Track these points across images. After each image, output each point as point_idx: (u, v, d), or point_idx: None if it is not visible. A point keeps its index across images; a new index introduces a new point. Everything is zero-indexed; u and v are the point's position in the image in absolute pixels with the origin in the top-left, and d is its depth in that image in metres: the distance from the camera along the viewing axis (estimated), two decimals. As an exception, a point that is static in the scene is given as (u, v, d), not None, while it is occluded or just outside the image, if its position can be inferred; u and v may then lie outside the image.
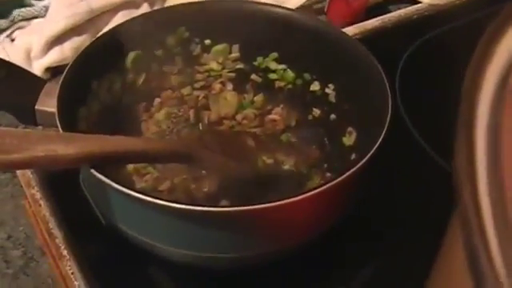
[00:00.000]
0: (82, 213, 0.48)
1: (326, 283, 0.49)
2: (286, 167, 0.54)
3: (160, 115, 0.56)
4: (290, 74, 0.58)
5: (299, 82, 0.58)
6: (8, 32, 0.72)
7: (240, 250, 0.44)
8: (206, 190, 0.51)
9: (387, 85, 0.48)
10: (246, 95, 0.59)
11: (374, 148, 0.43)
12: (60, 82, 0.46)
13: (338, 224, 0.46)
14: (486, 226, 0.19)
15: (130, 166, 0.52)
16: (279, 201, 0.39)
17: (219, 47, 0.57)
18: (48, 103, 0.46)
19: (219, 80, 0.59)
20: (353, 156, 0.51)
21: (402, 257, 0.50)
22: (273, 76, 0.58)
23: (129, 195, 0.39)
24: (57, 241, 0.48)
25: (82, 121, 0.48)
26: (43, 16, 0.72)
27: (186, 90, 0.58)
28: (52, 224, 0.49)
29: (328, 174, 0.53)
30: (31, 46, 0.68)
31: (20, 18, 0.72)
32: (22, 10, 0.72)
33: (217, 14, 0.56)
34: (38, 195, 0.51)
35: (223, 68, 0.58)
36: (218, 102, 0.58)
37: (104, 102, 0.52)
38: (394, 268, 0.50)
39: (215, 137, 0.55)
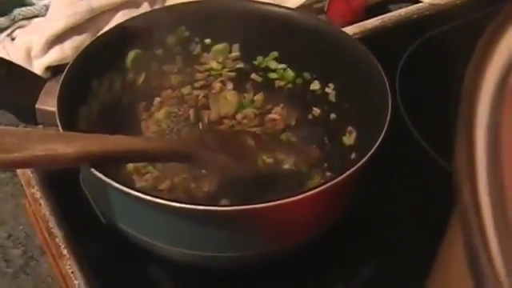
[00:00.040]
0: (82, 212, 0.48)
1: (325, 282, 0.49)
2: (286, 166, 0.54)
3: (160, 114, 0.56)
4: (290, 73, 0.58)
5: (299, 81, 0.58)
6: (8, 31, 0.72)
7: (240, 249, 0.44)
8: (206, 189, 0.51)
9: (387, 84, 0.48)
10: (246, 94, 0.59)
11: (374, 147, 0.43)
12: (60, 81, 0.46)
13: (338, 223, 0.46)
14: (486, 225, 0.19)
15: (130, 166, 0.52)
16: (279, 200, 0.39)
17: (219, 46, 0.57)
18: (48, 102, 0.46)
19: (219, 79, 0.59)
20: (353, 155, 0.51)
21: (401, 256, 0.50)
22: (273, 75, 0.58)
23: (129, 194, 0.39)
24: (57, 240, 0.48)
25: (82, 120, 0.48)
26: (44, 15, 0.72)
27: (186, 90, 0.58)
28: (52, 223, 0.49)
29: (328, 174, 0.53)
30: (32, 45, 0.68)
31: (20, 16, 0.72)
32: (23, 9, 0.72)
33: (217, 13, 0.56)
34: (38, 194, 0.51)
35: (223, 67, 0.58)
36: (218, 101, 0.58)
37: (104, 101, 0.52)
38: (394, 267, 0.50)
39: (215, 136, 0.55)
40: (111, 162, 0.43)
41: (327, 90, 0.56)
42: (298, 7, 0.73)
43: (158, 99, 0.57)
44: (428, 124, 0.59)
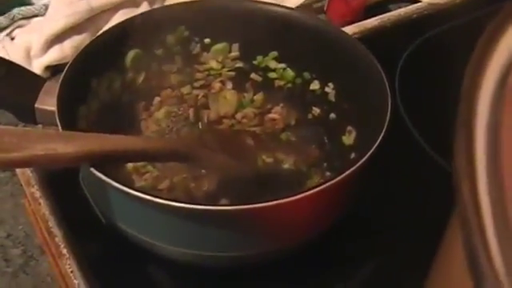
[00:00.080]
0: (82, 211, 0.48)
1: (325, 282, 0.49)
2: (286, 166, 0.54)
3: (160, 114, 0.56)
4: (290, 72, 0.58)
5: (299, 81, 0.58)
6: (8, 30, 0.72)
7: (239, 248, 0.44)
8: (205, 188, 0.51)
9: (387, 84, 0.48)
10: (245, 94, 0.59)
11: (374, 147, 0.43)
12: (60, 81, 0.46)
13: (337, 223, 0.46)
14: (486, 225, 0.19)
15: (130, 165, 0.52)
16: (279, 200, 0.39)
17: (219, 46, 0.57)
18: (48, 102, 0.46)
19: (219, 79, 0.59)
20: (352, 155, 0.51)
21: (401, 256, 0.50)
22: (272, 75, 0.58)
23: (128, 194, 0.39)
24: (56, 239, 0.48)
25: (81, 119, 0.48)
26: (43, 14, 0.72)
27: (185, 89, 0.58)
28: (51, 223, 0.49)
29: (327, 173, 0.53)
30: (31, 45, 0.68)
31: (20, 16, 0.72)
32: (22, 8, 0.72)
33: (216, 12, 0.56)
34: (38, 194, 0.51)
35: (223, 67, 0.58)
36: (218, 100, 0.58)
37: (104, 101, 0.52)
38: (394, 267, 0.50)
39: (215, 136, 0.55)
40: (111, 162, 0.43)
41: (327, 89, 0.56)
42: (297, 7, 0.73)
43: (157, 99, 0.57)
44: (427, 124, 0.59)
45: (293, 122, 0.57)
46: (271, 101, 0.59)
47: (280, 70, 0.58)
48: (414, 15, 0.73)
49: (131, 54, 0.53)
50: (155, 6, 0.73)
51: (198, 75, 0.58)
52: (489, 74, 0.24)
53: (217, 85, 0.58)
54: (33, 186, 0.51)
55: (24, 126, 0.55)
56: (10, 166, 0.45)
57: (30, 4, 0.73)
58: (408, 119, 0.59)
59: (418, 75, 0.65)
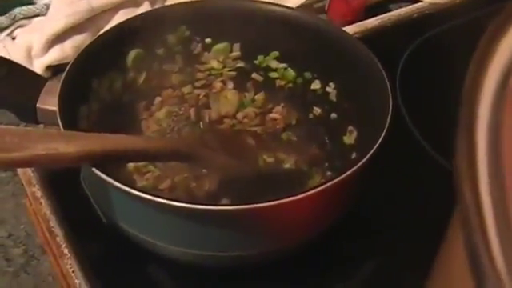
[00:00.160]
0: (83, 211, 0.48)
1: (325, 282, 0.49)
2: (287, 166, 0.54)
3: (161, 114, 0.56)
4: (291, 72, 0.58)
5: (300, 80, 0.58)
6: (9, 30, 0.72)
7: (240, 248, 0.44)
8: (206, 188, 0.51)
9: (388, 84, 0.48)
10: (246, 94, 0.59)
11: (375, 147, 0.43)
12: (61, 81, 0.46)
13: (337, 223, 0.46)
14: (487, 225, 0.19)
15: (131, 165, 0.52)
16: (280, 199, 0.39)
17: (220, 46, 0.57)
18: (49, 101, 0.46)
19: (220, 79, 0.59)
20: (353, 155, 0.51)
21: (401, 256, 0.50)
22: (273, 75, 0.58)
23: (129, 193, 0.39)
24: (57, 239, 0.48)
25: (82, 119, 0.48)
26: (44, 14, 0.72)
27: (186, 89, 0.58)
28: (53, 222, 0.49)
29: (329, 173, 0.53)
30: (32, 45, 0.68)
31: (21, 16, 0.72)
32: (23, 8, 0.72)
33: (218, 12, 0.56)
34: (39, 193, 0.51)
35: (224, 67, 0.58)
36: (219, 100, 0.58)
37: (105, 101, 0.52)
38: (394, 267, 0.50)
39: (216, 135, 0.55)
40: (112, 162, 0.43)
41: (328, 89, 0.56)
42: (298, 6, 0.73)
43: (158, 98, 0.57)
44: (428, 123, 0.59)
45: (294, 122, 0.57)
46: (272, 100, 0.59)
47: (281, 70, 0.58)
48: (415, 15, 0.73)
49: (132, 54, 0.54)
50: (156, 6, 0.73)
51: (199, 75, 0.58)
52: (490, 74, 0.24)
53: (218, 84, 0.58)
54: (34, 186, 0.51)
55: (25, 126, 0.55)
56: (12, 165, 0.45)
57: (31, 4, 0.73)
58: (409, 119, 0.59)
59: (418, 75, 0.65)
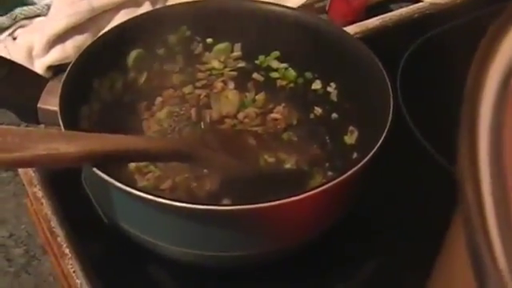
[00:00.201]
0: (84, 211, 0.48)
1: (325, 282, 0.49)
2: (288, 166, 0.54)
3: (161, 114, 0.56)
4: (292, 72, 0.58)
5: (301, 80, 0.58)
6: (10, 30, 0.72)
7: (241, 248, 0.44)
8: (207, 188, 0.51)
9: (389, 84, 0.48)
10: (247, 94, 0.59)
11: (376, 147, 0.43)
12: (62, 81, 0.46)
13: (338, 223, 0.46)
14: (490, 225, 0.19)
15: (132, 165, 0.52)
16: (281, 200, 0.39)
17: (221, 46, 0.57)
18: (50, 102, 0.46)
19: (221, 79, 0.59)
20: (354, 155, 0.51)
21: (401, 256, 0.50)
22: (274, 75, 0.58)
23: (130, 194, 0.39)
24: (58, 239, 0.48)
25: (83, 119, 0.48)
26: (45, 14, 0.72)
27: (187, 89, 0.58)
28: (54, 222, 0.49)
29: (330, 173, 0.53)
30: (33, 45, 0.68)
31: (22, 16, 0.72)
32: (24, 8, 0.72)
33: (218, 12, 0.56)
34: (40, 194, 0.51)
35: (225, 67, 0.58)
36: (220, 100, 0.58)
37: (106, 101, 0.52)
38: (394, 267, 0.50)
39: (217, 135, 0.55)
40: (113, 162, 0.43)
41: (329, 89, 0.56)
42: (299, 7, 0.73)
43: (159, 99, 0.57)
44: (429, 123, 0.59)
45: (295, 122, 0.57)
46: (273, 100, 0.59)
47: (282, 70, 0.58)
48: (416, 15, 0.73)
49: (133, 54, 0.54)
50: (157, 6, 0.73)
51: (200, 75, 0.58)
52: (492, 74, 0.24)
53: (219, 84, 0.58)
54: (35, 186, 0.51)
55: (26, 126, 0.55)
56: (13, 165, 0.45)
57: (32, 4, 0.73)
58: (410, 119, 0.59)
59: (419, 75, 0.65)
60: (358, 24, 0.70)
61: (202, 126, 0.57)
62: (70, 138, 0.40)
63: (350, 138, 0.53)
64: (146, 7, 0.73)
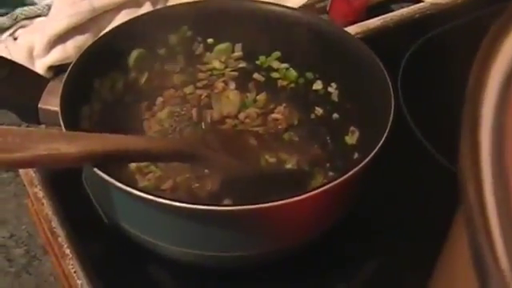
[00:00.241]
0: (85, 211, 0.48)
1: (326, 282, 0.49)
2: (289, 166, 0.54)
3: (162, 114, 0.56)
4: (293, 72, 0.58)
5: (302, 80, 0.58)
6: (11, 31, 0.72)
7: (242, 248, 0.44)
8: (208, 188, 0.51)
9: (390, 84, 0.48)
10: (248, 94, 0.59)
11: (377, 147, 0.43)
12: (63, 81, 0.46)
13: (338, 223, 0.46)
14: (492, 225, 0.19)
15: (133, 165, 0.52)
16: (282, 200, 0.39)
17: (222, 46, 0.57)
18: (51, 102, 0.46)
19: (222, 79, 0.59)
20: (355, 155, 0.51)
21: (402, 256, 0.50)
22: (275, 75, 0.58)
23: (131, 194, 0.39)
24: (59, 239, 0.48)
25: (84, 119, 0.48)
26: (46, 15, 0.72)
27: (188, 89, 0.58)
28: (54, 223, 0.49)
29: (331, 173, 0.53)
30: (34, 45, 0.68)
31: (23, 16, 0.72)
32: (25, 8, 0.73)
33: (219, 13, 0.56)
34: (41, 194, 0.51)
35: (226, 67, 0.58)
36: (221, 100, 0.58)
37: (107, 101, 0.52)
38: (395, 267, 0.50)
39: (218, 136, 0.55)
40: (114, 162, 0.43)
41: (330, 89, 0.56)
42: (300, 7, 0.73)
43: (160, 99, 0.57)
44: (430, 124, 0.59)
45: (295, 122, 0.57)
46: (274, 101, 0.59)
47: (283, 70, 0.58)
48: (417, 15, 0.73)
49: (134, 54, 0.54)
50: (158, 6, 0.73)
51: (201, 75, 0.58)
52: (493, 74, 0.24)
53: (220, 85, 0.58)
54: (36, 186, 0.51)
55: (27, 126, 0.55)
56: (13, 166, 0.45)
57: (33, 4, 0.73)
58: (411, 119, 0.59)
59: (420, 75, 0.65)
60: (358, 24, 0.70)
61: (203, 127, 0.57)
62: (71, 138, 0.40)
63: (351, 139, 0.53)
64: (146, 7, 0.73)
